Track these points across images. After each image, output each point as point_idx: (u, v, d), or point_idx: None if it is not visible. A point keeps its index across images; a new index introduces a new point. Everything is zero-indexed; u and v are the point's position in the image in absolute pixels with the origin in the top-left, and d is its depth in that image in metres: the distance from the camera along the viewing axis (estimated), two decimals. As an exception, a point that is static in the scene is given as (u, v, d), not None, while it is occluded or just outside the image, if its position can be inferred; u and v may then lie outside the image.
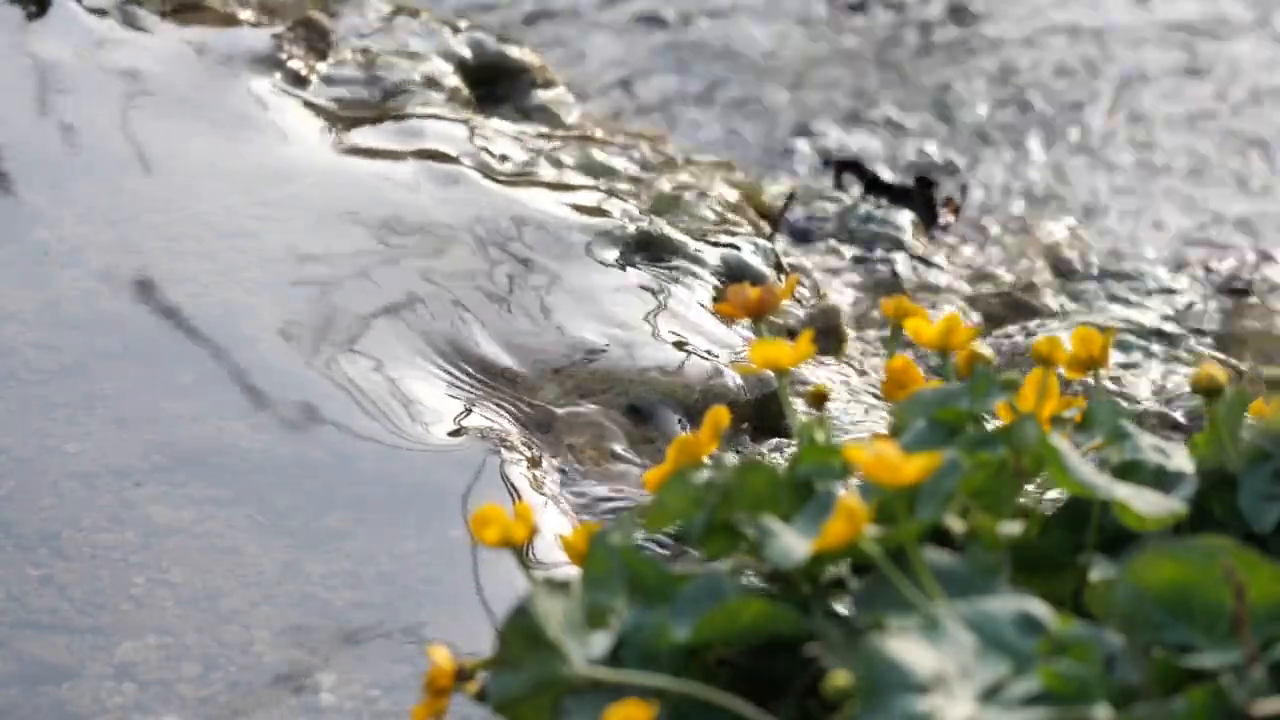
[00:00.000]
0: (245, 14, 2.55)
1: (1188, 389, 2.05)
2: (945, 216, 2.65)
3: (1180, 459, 1.23)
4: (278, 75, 2.39)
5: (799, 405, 1.54)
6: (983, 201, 2.96)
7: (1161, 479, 1.21)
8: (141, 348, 1.88)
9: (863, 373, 2.07)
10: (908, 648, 1.01)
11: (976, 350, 1.33)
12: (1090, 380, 1.34)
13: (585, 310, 2.00)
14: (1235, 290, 2.44)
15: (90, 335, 1.89)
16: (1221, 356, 2.21)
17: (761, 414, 1.90)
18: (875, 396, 2.00)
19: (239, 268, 2.01)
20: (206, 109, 2.30)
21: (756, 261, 2.17)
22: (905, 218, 2.48)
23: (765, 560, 1.16)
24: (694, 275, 2.10)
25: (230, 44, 2.44)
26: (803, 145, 3.13)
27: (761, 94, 3.30)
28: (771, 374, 1.35)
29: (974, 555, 1.12)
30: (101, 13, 2.47)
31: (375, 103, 2.40)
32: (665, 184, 2.36)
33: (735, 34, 3.52)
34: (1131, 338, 2.23)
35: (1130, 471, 1.22)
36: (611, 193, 2.25)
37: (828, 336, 2.09)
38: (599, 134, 2.52)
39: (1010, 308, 2.29)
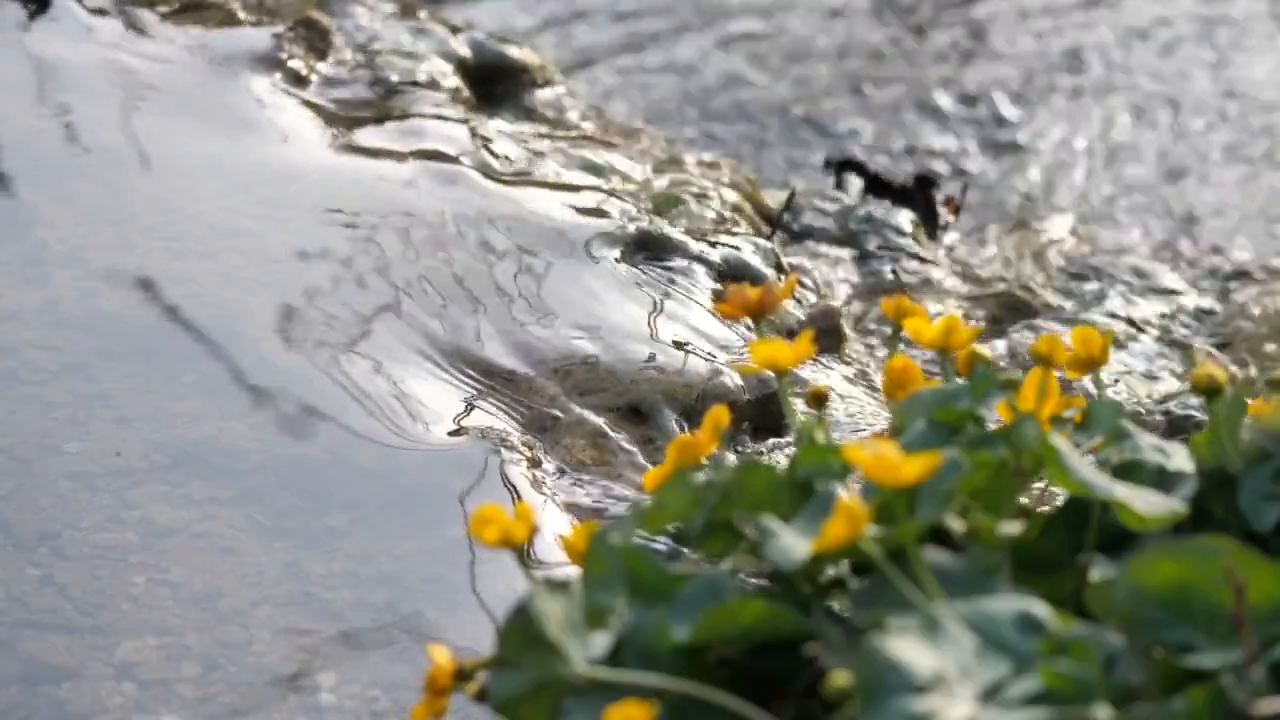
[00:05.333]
0: (245, 14, 2.55)
1: (1187, 389, 2.05)
2: (945, 216, 2.65)
3: (1180, 459, 1.23)
4: (278, 75, 2.39)
5: (799, 405, 1.54)
6: (983, 201, 2.96)
7: (1161, 479, 1.22)
8: (141, 348, 1.88)
9: (863, 373, 2.07)
10: (908, 648, 1.01)
11: (976, 350, 1.33)
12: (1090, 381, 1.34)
13: (585, 310, 2.00)
14: (1236, 289, 2.44)
15: (90, 335, 1.89)
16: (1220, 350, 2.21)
17: (761, 414, 1.90)
18: (875, 396, 2.00)
19: (239, 268, 2.01)
20: (206, 109, 2.30)
21: (756, 261, 2.17)
22: (905, 218, 2.48)
23: (765, 560, 1.16)
24: (694, 275, 2.10)
25: (230, 44, 2.44)
26: (803, 145, 3.13)
27: (762, 93, 3.30)
28: (771, 374, 1.35)
29: (974, 555, 1.12)
30: (102, 13, 2.47)
31: (375, 103, 2.40)
32: (665, 184, 2.36)
33: (736, 33, 3.52)
34: (1130, 334, 2.23)
35: (1130, 471, 1.22)
36: (611, 193, 2.25)
37: (828, 336, 2.09)
38: (599, 134, 2.52)
39: (1010, 308, 2.29)
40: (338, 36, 2.52)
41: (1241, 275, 2.50)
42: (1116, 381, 2.10)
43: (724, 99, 3.29)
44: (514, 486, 1.73)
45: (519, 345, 1.93)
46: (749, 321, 1.42)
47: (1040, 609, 1.06)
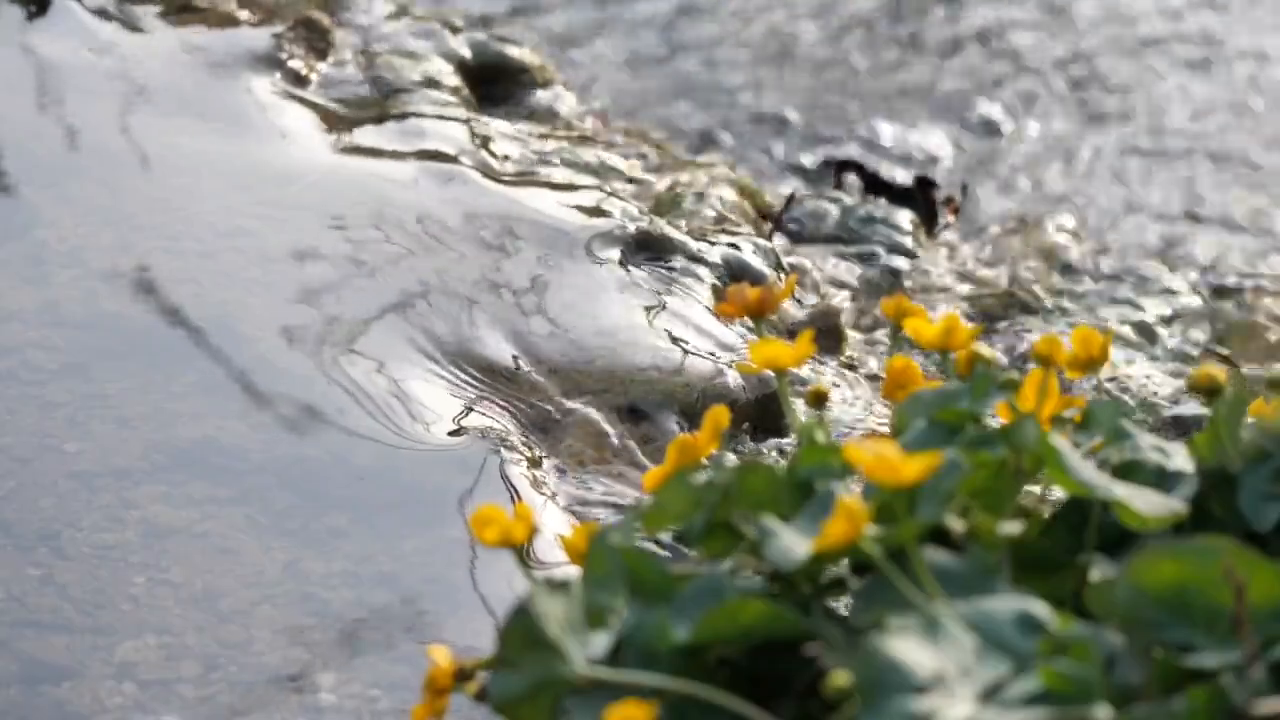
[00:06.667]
0: (245, 14, 2.55)
1: (1186, 389, 2.05)
2: (945, 216, 2.65)
3: (1180, 459, 1.23)
4: (278, 75, 2.39)
5: (799, 405, 1.54)
6: (983, 201, 2.96)
7: (1161, 479, 1.21)
8: (141, 348, 1.88)
9: (863, 373, 2.07)
10: (908, 648, 1.01)
11: (976, 350, 1.33)
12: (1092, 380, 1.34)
13: (585, 310, 2.00)
14: (1235, 289, 2.44)
15: (90, 335, 1.89)
16: (1223, 352, 2.21)
17: (761, 414, 1.90)
18: (875, 396, 2.00)
19: (239, 268, 2.01)
20: (206, 109, 2.30)
21: (756, 261, 2.17)
22: (905, 218, 2.48)
23: (765, 560, 1.16)
24: (694, 275, 2.10)
25: (230, 44, 2.44)
26: (803, 145, 3.13)
27: (761, 93, 3.30)
28: (771, 374, 1.35)
29: (974, 555, 1.12)
30: (101, 13, 2.47)
31: (375, 103, 2.40)
32: (665, 184, 2.36)
33: (733, 33, 3.52)
34: (1131, 336, 2.23)
35: (1130, 471, 1.22)
36: (611, 193, 2.25)
37: (828, 336, 2.09)
38: (599, 134, 2.52)
39: (1010, 308, 2.29)
40: (338, 36, 2.52)
41: (1242, 274, 2.50)
42: (1117, 381, 2.11)
43: (724, 99, 3.29)
44: (514, 486, 1.73)
45: (519, 345, 1.93)
46: (749, 321, 1.42)
47: (1040, 609, 1.06)
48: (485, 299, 1.99)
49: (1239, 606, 1.04)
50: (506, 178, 2.24)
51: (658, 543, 1.56)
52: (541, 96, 2.56)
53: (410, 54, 2.51)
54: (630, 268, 2.09)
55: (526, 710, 1.11)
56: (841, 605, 1.17)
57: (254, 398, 1.82)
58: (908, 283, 2.33)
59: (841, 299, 2.28)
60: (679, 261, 2.12)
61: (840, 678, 1.04)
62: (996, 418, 1.27)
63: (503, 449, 1.77)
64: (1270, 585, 1.05)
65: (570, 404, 1.87)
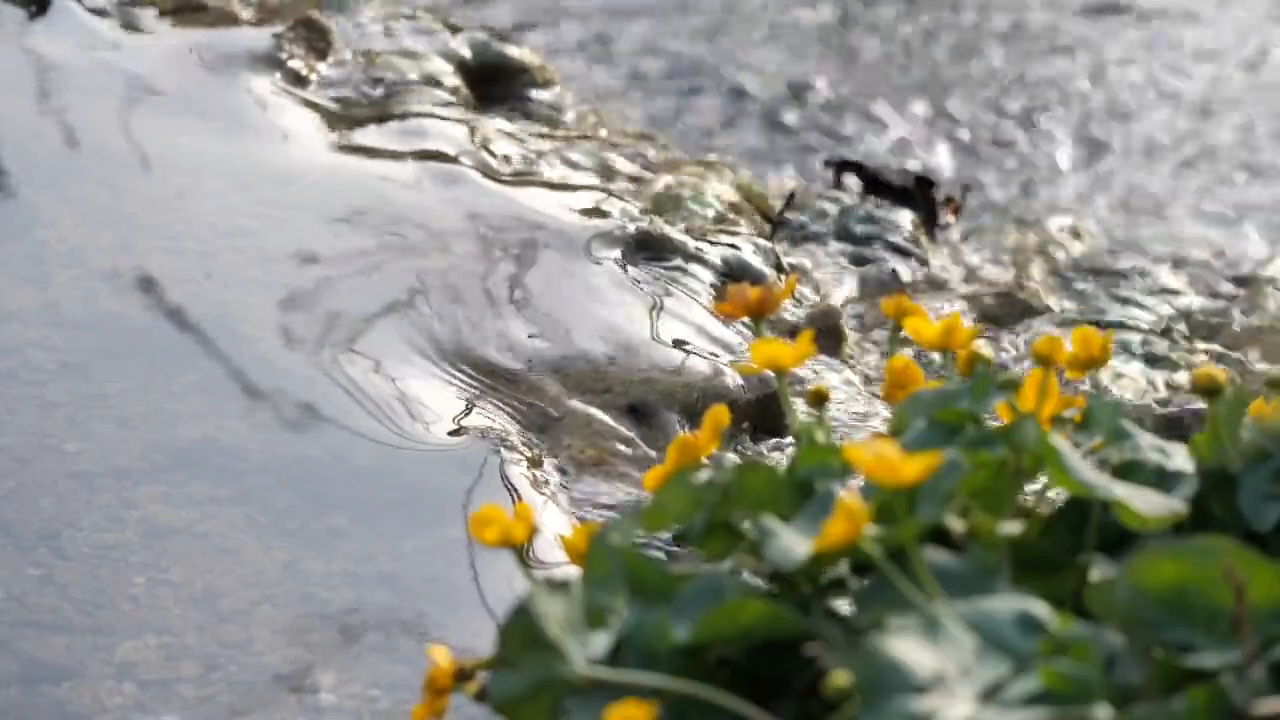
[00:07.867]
0: (245, 14, 2.55)
1: (1187, 389, 2.05)
2: (945, 216, 2.65)
3: (1180, 459, 1.23)
4: (278, 75, 2.39)
5: (799, 405, 1.54)
6: (983, 201, 2.96)
7: (1161, 479, 1.21)
8: (141, 348, 1.88)
9: (863, 373, 2.07)
10: (908, 648, 1.01)
11: (976, 350, 1.33)
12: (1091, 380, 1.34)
13: (585, 310, 2.00)
14: (1235, 289, 2.44)
15: (90, 335, 1.89)
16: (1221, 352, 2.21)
17: (761, 414, 1.90)
18: (875, 396, 2.00)
19: (239, 267, 2.01)
20: (206, 109, 2.30)
21: (756, 261, 2.17)
22: (905, 218, 2.48)
23: (765, 560, 1.16)
24: (694, 275, 2.10)
25: (230, 44, 2.44)
26: (802, 144, 3.13)
27: (762, 94, 3.30)
28: (772, 374, 1.35)
29: (974, 555, 1.12)
30: (101, 13, 2.47)
31: (375, 102, 2.40)
32: (665, 184, 2.36)
33: (733, 33, 3.53)
34: (1132, 337, 2.23)
35: (1130, 471, 1.22)
36: (611, 193, 2.25)
37: (828, 336, 2.09)
38: (599, 134, 2.52)
39: (1009, 308, 2.29)
40: (338, 36, 2.52)
41: (1242, 275, 2.50)
42: (1121, 377, 2.11)
43: (724, 100, 3.29)
44: (514, 486, 1.73)
45: (519, 345, 1.93)
46: (749, 321, 1.42)
47: (1040, 609, 1.06)
48: (485, 299, 1.99)
49: (1239, 606, 1.04)
50: (506, 178, 2.24)
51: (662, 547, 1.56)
52: (541, 96, 2.56)
53: (410, 54, 2.51)
54: (630, 267, 2.09)
55: (526, 710, 1.11)
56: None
57: (254, 398, 1.82)
58: (908, 282, 2.33)
59: (841, 299, 2.28)
60: (679, 261, 2.12)
61: (840, 678, 1.03)
62: (996, 418, 1.27)
63: (503, 449, 1.77)
64: (1270, 585, 1.05)
65: (570, 404, 1.87)
